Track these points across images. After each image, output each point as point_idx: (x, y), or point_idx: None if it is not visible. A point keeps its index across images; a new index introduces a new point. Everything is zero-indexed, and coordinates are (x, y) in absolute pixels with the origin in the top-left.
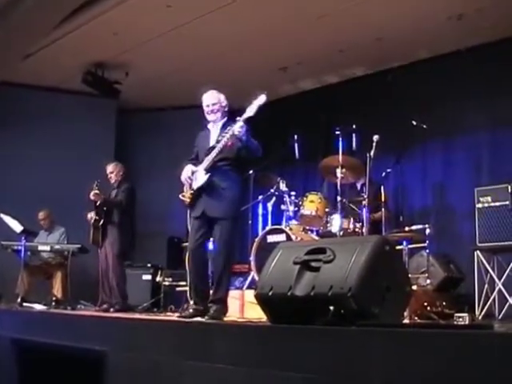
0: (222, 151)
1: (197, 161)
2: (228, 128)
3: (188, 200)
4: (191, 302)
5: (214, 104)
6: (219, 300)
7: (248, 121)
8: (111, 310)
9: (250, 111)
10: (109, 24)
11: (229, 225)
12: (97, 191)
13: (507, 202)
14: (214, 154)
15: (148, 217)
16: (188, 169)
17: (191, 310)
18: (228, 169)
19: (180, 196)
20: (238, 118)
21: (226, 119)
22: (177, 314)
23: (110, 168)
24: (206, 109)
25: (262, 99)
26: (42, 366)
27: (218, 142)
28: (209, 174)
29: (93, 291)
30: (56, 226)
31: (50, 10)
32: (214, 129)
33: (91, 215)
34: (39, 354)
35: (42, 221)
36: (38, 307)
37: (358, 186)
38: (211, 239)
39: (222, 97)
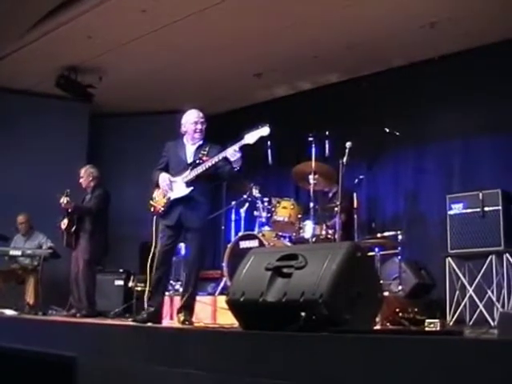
0: (206, 170)
1: (166, 170)
2: (207, 147)
3: (162, 208)
4: (146, 306)
5: (202, 123)
6: (191, 305)
7: (241, 148)
8: (78, 315)
9: (251, 139)
10: (83, 27)
11: (204, 234)
12: (66, 199)
13: (478, 209)
14: (200, 169)
15: (121, 222)
16: (166, 177)
17: (145, 315)
18: (206, 183)
19: (153, 203)
20: (234, 146)
21: (202, 141)
22: (130, 319)
23: (80, 173)
24: (192, 126)
25: (265, 131)
26: (11, 372)
27: (201, 159)
28: (191, 188)
29: (64, 296)
30: (35, 232)
31: (23, 12)
32: (190, 145)
33: (64, 222)
34: (8, 360)
35: (20, 224)
36: (9, 312)
37: (331, 192)
38: (181, 246)
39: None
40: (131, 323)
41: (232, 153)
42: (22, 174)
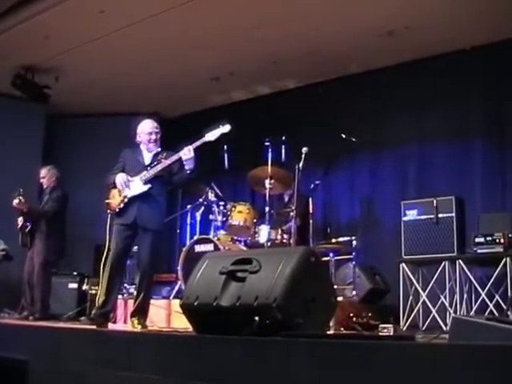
0: (164, 169)
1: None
2: (164, 153)
3: (119, 206)
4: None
5: (157, 133)
6: (144, 309)
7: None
8: (30, 318)
9: (211, 137)
10: (40, 27)
11: (159, 236)
12: (19, 200)
13: (432, 216)
14: (159, 167)
15: (75, 224)
16: (123, 175)
17: (97, 313)
18: (163, 185)
19: (109, 201)
20: (193, 145)
21: (160, 148)
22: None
23: (42, 173)
24: (147, 136)
25: (226, 128)
26: None
27: (159, 160)
28: (149, 186)
29: (17, 299)
30: None
31: None
32: (147, 152)
33: (20, 220)
34: None
35: None
36: None
37: (286, 197)
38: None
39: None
40: (83, 326)
41: (186, 151)
42: None
